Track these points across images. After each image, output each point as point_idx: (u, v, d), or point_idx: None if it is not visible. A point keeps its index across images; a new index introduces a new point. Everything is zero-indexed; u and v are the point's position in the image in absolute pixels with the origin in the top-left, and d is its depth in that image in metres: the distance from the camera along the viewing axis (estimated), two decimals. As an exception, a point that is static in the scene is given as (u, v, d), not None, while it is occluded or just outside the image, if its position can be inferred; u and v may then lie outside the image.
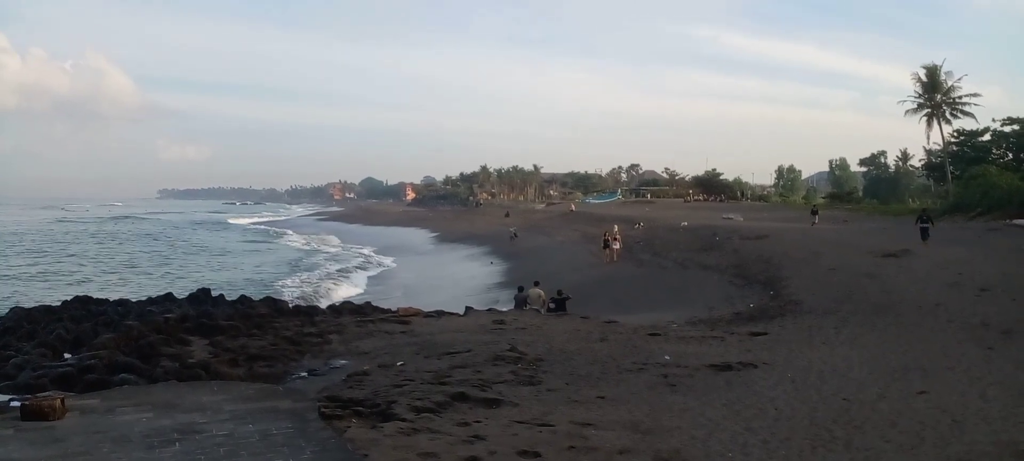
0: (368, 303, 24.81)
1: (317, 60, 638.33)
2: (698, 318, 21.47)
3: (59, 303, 23.80)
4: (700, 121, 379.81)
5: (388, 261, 52.03)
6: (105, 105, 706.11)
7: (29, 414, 9.21)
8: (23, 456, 7.79)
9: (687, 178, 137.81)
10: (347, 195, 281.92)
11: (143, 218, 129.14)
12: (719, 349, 15.24)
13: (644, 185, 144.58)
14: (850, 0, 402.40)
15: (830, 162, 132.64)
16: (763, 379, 12.21)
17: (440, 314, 21.84)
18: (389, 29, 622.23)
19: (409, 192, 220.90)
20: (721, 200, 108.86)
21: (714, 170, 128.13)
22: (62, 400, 9.60)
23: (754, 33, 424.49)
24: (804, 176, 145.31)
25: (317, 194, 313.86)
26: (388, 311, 22.14)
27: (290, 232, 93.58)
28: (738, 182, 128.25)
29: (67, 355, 17.06)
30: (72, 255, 57.03)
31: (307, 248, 67.07)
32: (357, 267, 48.27)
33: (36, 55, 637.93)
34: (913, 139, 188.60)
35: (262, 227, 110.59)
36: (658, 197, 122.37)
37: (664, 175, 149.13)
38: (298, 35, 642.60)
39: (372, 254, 57.30)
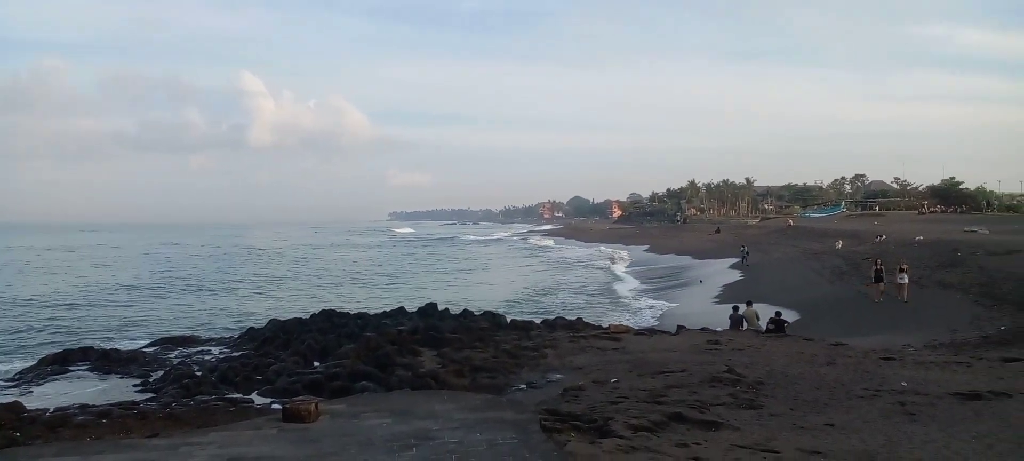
0: (579, 319, 25.30)
1: (522, 87, 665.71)
2: (938, 341, 19.68)
3: (308, 315, 26.65)
4: (933, 126, 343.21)
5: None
6: (344, 139, 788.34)
7: (290, 416, 10.46)
8: (285, 454, 8.89)
9: (921, 188, 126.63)
10: (556, 214, 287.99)
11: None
12: (965, 376, 13.81)
13: (871, 197, 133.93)
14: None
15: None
16: (1020, 410, 10.90)
17: (651, 332, 21.81)
18: (589, 51, 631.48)
19: (615, 209, 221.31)
20: (962, 212, 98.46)
21: (952, 179, 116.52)
22: (316, 404, 10.82)
23: (993, 27, 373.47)
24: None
25: (528, 213, 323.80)
26: (599, 327, 22.45)
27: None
28: (982, 191, 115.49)
29: (316, 363, 19.11)
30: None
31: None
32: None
33: (287, 97, 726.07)
34: None
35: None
36: (887, 210, 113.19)
37: (894, 186, 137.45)
38: (503, 66, 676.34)
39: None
